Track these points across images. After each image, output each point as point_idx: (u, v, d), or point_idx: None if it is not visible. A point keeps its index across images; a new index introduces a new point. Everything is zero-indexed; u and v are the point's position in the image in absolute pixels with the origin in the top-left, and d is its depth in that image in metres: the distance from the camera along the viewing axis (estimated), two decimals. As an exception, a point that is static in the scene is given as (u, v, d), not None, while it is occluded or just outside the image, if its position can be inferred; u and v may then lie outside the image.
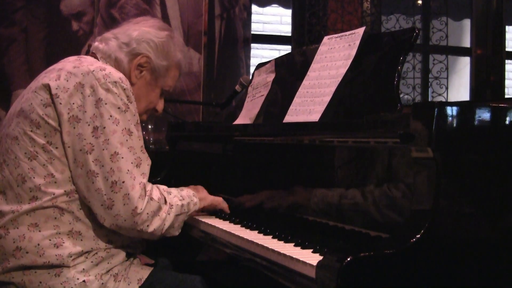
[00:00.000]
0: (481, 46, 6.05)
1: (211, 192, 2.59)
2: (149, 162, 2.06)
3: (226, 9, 4.69)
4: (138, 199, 1.95)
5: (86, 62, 2.06)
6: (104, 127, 1.95)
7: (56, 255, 1.95)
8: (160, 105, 2.39)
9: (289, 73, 2.66)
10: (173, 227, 2.11)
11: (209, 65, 4.50)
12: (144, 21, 2.30)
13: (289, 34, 5.74)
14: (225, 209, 2.45)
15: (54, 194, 1.97)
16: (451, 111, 1.61)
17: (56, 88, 1.98)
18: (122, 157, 1.95)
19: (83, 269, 1.98)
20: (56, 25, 4.13)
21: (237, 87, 3.19)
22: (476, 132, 1.68)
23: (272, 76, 2.73)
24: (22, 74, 3.97)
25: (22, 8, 4.05)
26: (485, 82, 5.98)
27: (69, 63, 2.07)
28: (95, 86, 1.97)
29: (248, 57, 5.01)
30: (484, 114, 1.67)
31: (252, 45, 5.27)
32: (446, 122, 1.61)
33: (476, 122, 1.67)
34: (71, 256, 1.96)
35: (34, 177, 1.97)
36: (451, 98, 5.94)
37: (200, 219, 2.38)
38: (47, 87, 1.99)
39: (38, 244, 1.95)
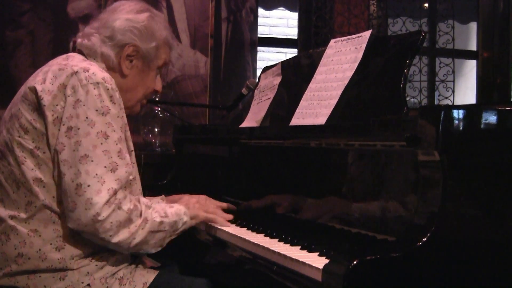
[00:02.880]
0: (487, 49, 6.03)
1: (217, 195, 2.59)
2: (128, 169, 1.98)
3: (232, 12, 4.70)
4: (103, 205, 1.87)
5: (72, 63, 2.02)
6: (79, 128, 1.91)
7: (58, 259, 1.95)
8: (159, 85, 2.33)
9: (296, 76, 2.66)
10: (147, 244, 2.01)
11: (216, 68, 4.50)
12: (121, 7, 2.22)
13: (296, 37, 5.74)
14: (220, 223, 2.31)
15: (45, 199, 1.95)
16: (457, 114, 1.61)
17: (41, 91, 1.96)
18: (92, 160, 1.89)
19: (88, 272, 1.97)
20: (63, 28, 4.13)
21: (244, 90, 3.19)
22: (482, 135, 1.68)
23: (278, 79, 2.73)
24: (29, 77, 3.97)
25: (29, 11, 4.05)
26: (492, 85, 5.96)
27: (56, 64, 2.04)
28: (76, 87, 1.94)
29: (254, 60, 5.01)
30: (490, 117, 1.67)
31: (259, 48, 5.26)
32: (453, 125, 1.61)
33: (482, 125, 1.67)
34: (73, 258, 1.96)
35: (25, 182, 1.96)
36: (458, 101, 5.92)
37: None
38: (34, 91, 1.98)
39: (40, 249, 1.94)
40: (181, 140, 3.35)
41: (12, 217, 1.96)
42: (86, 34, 2.19)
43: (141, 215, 1.98)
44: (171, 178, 3.27)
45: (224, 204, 2.58)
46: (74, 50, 2.21)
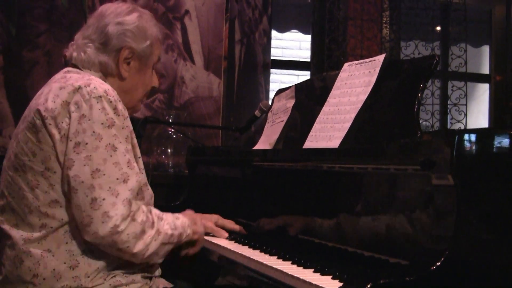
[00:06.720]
0: (500, 73, 6.03)
1: (230, 216, 2.59)
2: (139, 177, 2.01)
3: (246, 34, 4.72)
4: (119, 217, 1.90)
5: (72, 79, 2.02)
6: (86, 143, 1.91)
7: (73, 277, 1.95)
8: (155, 81, 2.35)
9: (309, 99, 2.67)
10: (157, 255, 2.05)
11: (229, 90, 4.52)
12: (108, 10, 2.19)
13: (308, 60, 5.76)
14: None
15: (62, 219, 1.96)
16: (471, 138, 1.62)
17: (45, 111, 1.96)
18: (104, 174, 1.91)
19: (103, 291, 1.98)
20: (78, 49, 4.17)
21: (257, 112, 3.20)
22: (496, 159, 1.68)
23: (292, 102, 2.74)
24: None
25: (45, 31, 4.10)
26: (504, 109, 5.95)
27: (56, 82, 2.04)
28: (79, 102, 1.94)
29: (267, 82, 5.03)
30: (504, 141, 1.68)
31: (272, 70, 5.28)
32: (467, 149, 1.61)
33: (495, 149, 1.67)
34: (88, 276, 1.96)
35: (39, 206, 1.96)
36: (470, 125, 5.91)
37: (219, 243, 2.39)
38: (38, 113, 1.97)
39: (54, 269, 1.95)
40: (194, 161, 3.36)
41: (25, 240, 1.97)
42: (80, 46, 2.17)
43: (153, 226, 2.01)
44: (183, 199, 3.27)
45: (237, 227, 2.58)
46: (67, 63, 2.21)
